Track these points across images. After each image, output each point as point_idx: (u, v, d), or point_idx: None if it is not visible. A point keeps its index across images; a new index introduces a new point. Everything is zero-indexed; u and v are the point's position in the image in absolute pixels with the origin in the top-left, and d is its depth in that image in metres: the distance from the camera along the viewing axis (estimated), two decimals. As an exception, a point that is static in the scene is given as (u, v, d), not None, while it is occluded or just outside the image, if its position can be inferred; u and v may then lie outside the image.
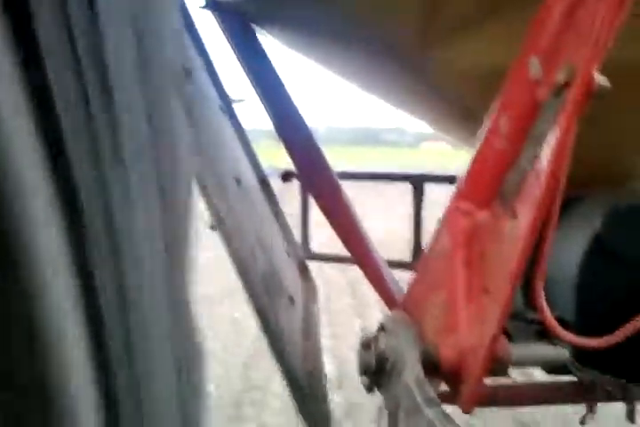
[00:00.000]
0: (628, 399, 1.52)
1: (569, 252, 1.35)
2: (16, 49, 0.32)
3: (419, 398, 0.76)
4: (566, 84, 0.71)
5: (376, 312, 4.15)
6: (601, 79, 0.69)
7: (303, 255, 1.83)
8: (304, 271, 1.75)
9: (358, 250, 1.59)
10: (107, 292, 0.39)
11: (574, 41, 0.73)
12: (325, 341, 3.94)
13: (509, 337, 1.48)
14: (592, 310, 1.28)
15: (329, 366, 3.51)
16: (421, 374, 0.81)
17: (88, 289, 0.38)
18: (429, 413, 0.73)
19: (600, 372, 1.12)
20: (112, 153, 0.40)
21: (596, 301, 1.28)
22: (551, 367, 1.31)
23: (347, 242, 1.59)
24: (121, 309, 0.41)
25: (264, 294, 0.89)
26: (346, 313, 4.33)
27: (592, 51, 0.69)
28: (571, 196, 1.46)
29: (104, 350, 0.39)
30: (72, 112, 0.36)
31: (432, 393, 0.77)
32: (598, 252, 1.27)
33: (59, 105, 0.35)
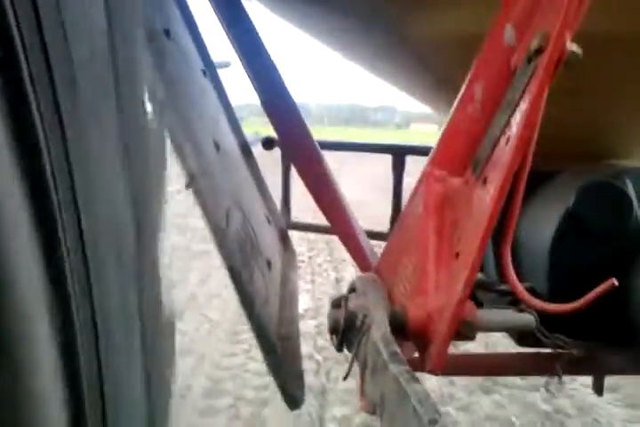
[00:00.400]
0: (596, 372, 1.56)
1: (544, 226, 1.38)
2: None
3: (384, 355, 0.78)
4: (538, 51, 0.72)
5: (348, 266, 5.30)
6: (573, 46, 0.70)
7: (284, 223, 1.84)
8: (284, 239, 1.77)
9: (337, 219, 1.60)
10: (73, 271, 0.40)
11: (547, 8, 0.74)
12: (307, 285, 4.93)
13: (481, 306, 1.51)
14: (564, 283, 1.31)
15: (308, 302, 4.46)
16: (388, 331, 0.83)
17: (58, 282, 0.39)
18: (394, 368, 0.75)
19: (566, 335, 1.15)
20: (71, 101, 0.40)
21: (568, 274, 1.31)
22: (519, 336, 1.35)
23: (326, 211, 1.60)
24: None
25: (237, 252, 0.91)
26: (323, 267, 5.56)
27: (564, 18, 0.70)
28: (549, 170, 1.49)
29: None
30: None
31: (398, 350, 0.79)
32: (570, 226, 1.30)
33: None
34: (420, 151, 1.74)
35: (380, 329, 0.83)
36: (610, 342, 1.25)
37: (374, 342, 0.82)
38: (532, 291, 1.36)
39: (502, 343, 2.98)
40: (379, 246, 1.62)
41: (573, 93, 1.10)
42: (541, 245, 1.36)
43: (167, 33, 1.01)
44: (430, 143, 1.12)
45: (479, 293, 1.40)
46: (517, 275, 1.43)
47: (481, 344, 3.35)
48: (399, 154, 1.82)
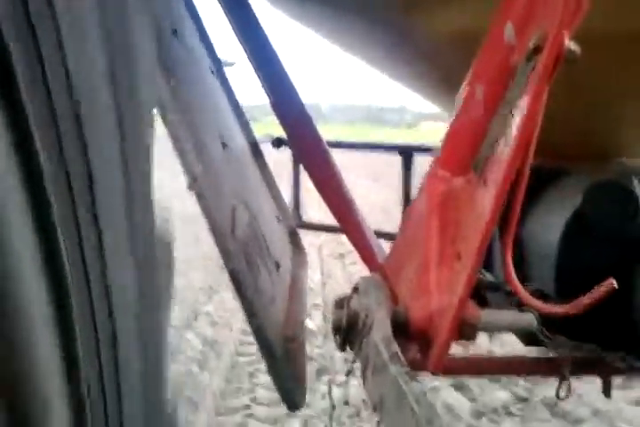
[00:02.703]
0: (604, 373, 1.55)
1: (551, 226, 1.37)
2: None
3: (384, 355, 0.78)
4: (537, 49, 0.71)
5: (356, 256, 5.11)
6: (571, 44, 0.70)
7: (294, 223, 1.84)
8: (294, 238, 1.77)
9: (346, 219, 1.60)
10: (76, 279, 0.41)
11: (546, 7, 0.73)
12: (318, 275, 5.07)
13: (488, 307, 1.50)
14: (571, 284, 1.30)
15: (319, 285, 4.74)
16: (389, 332, 0.83)
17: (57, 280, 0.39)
18: (393, 369, 0.75)
19: (569, 338, 1.14)
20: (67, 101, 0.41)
21: (575, 275, 1.30)
22: (526, 337, 1.34)
23: (335, 211, 1.60)
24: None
25: (240, 256, 0.90)
26: (333, 256, 5.87)
27: (563, 16, 0.69)
28: (556, 169, 1.48)
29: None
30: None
31: (398, 351, 0.79)
32: (578, 227, 1.29)
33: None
34: (429, 150, 1.73)
35: (381, 330, 0.83)
36: (615, 344, 1.24)
37: (375, 343, 0.82)
38: (538, 292, 1.36)
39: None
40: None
41: (579, 92, 1.09)
42: (549, 245, 1.35)
43: (175, 33, 1.01)
44: (439, 142, 1.12)
45: (487, 293, 1.40)
46: (525, 276, 1.43)
47: (496, 344, 3.32)
48: (407, 153, 1.82)
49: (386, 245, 1.65)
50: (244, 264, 0.92)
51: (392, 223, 1.93)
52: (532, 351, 1.46)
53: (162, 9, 0.97)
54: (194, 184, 0.80)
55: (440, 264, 0.91)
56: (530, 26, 0.76)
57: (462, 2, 1.04)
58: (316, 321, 3.86)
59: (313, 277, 4.94)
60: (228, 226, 0.91)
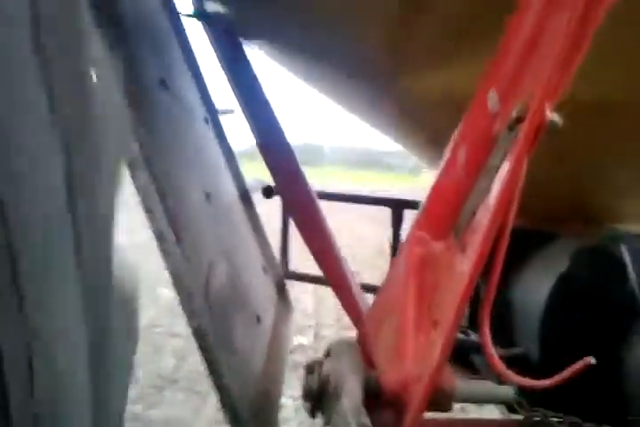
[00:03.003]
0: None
1: (537, 288, 1.35)
2: None
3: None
4: (519, 120, 0.71)
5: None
6: (554, 116, 0.69)
7: (281, 273, 1.81)
8: (281, 289, 1.74)
9: (331, 271, 1.58)
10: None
11: (530, 78, 0.73)
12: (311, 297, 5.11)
13: (476, 372, 1.47)
14: (554, 349, 1.28)
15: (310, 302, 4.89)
16: (359, 401, 0.80)
17: None
18: (361, 442, 0.72)
19: (550, 410, 1.11)
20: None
21: (558, 340, 1.28)
22: (508, 406, 1.31)
23: (321, 262, 1.58)
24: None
25: (209, 312, 0.87)
26: None
27: (546, 87, 0.69)
28: (544, 232, 1.47)
29: None
30: None
31: (367, 422, 0.76)
32: (563, 292, 1.28)
33: None
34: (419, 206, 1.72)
35: (351, 398, 0.80)
36: (598, 416, 1.20)
37: (344, 412, 0.79)
38: (521, 358, 1.33)
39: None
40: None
41: (565, 156, 1.09)
42: (535, 308, 1.33)
43: (162, 83, 1.00)
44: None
45: (473, 356, 1.37)
46: (511, 339, 1.41)
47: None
48: (398, 207, 1.80)
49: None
50: (210, 321, 0.89)
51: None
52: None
53: (147, 58, 0.96)
54: (162, 245, 0.78)
55: (417, 329, 0.89)
56: (513, 94, 0.76)
57: (449, 65, 1.04)
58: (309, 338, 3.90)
59: (306, 299, 5.08)
60: (200, 284, 0.88)
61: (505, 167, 0.73)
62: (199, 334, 0.79)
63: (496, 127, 0.78)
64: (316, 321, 4.68)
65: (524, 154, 0.71)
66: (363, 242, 8.54)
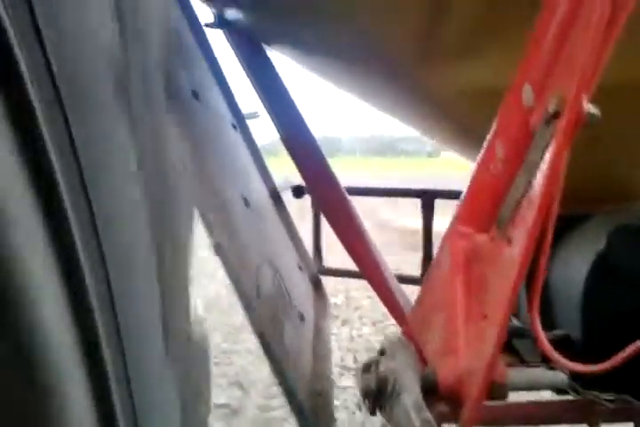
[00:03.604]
0: (636, 420, 1.51)
1: (575, 270, 1.35)
2: None
3: (416, 423, 0.77)
4: (556, 115, 0.71)
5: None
6: (591, 108, 0.70)
7: (316, 270, 1.84)
8: (317, 286, 1.76)
9: (367, 265, 1.60)
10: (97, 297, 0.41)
11: (564, 72, 0.74)
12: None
13: (519, 356, 1.48)
14: (597, 329, 1.28)
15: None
16: (419, 397, 0.82)
17: (78, 294, 0.39)
18: (425, 437, 0.74)
19: (601, 391, 1.12)
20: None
21: (601, 320, 1.28)
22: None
23: (356, 257, 1.60)
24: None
25: (267, 318, 0.90)
26: None
27: (581, 80, 0.69)
28: (580, 213, 1.47)
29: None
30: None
31: (429, 417, 0.78)
32: (602, 271, 1.27)
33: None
34: (450, 195, 1.72)
35: (411, 395, 0.82)
36: None
37: (406, 409, 0.81)
38: (565, 339, 1.33)
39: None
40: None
41: (600, 136, 1.09)
42: (574, 290, 1.33)
43: (195, 94, 1.02)
44: (462, 175, 1.11)
45: (515, 341, 1.38)
46: (552, 321, 1.41)
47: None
48: (428, 198, 1.81)
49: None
50: (269, 324, 0.92)
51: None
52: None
53: (181, 71, 0.98)
54: (219, 250, 0.80)
55: (467, 323, 0.90)
56: (547, 88, 0.77)
57: (477, 57, 1.05)
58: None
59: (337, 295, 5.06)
60: (253, 288, 0.91)
61: (545, 161, 0.74)
62: (262, 339, 0.81)
63: (533, 121, 0.79)
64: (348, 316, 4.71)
65: (564, 148, 0.72)
66: (385, 226, 8.57)
